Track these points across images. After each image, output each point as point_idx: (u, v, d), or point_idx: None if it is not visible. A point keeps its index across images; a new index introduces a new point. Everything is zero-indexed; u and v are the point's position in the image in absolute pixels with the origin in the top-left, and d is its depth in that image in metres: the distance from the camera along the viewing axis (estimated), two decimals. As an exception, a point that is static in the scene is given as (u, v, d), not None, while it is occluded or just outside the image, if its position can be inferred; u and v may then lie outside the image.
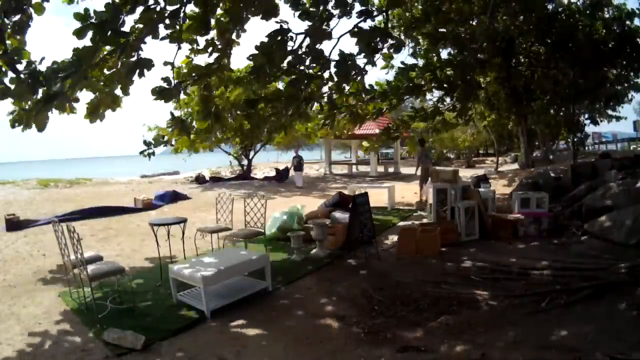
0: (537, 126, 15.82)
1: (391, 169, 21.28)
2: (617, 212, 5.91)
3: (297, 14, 4.61)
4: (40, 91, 3.83)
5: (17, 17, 3.90)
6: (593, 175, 9.10)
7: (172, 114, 5.35)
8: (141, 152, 5.62)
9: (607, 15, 9.92)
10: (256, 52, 4.52)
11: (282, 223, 6.94)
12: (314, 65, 5.06)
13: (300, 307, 4.18)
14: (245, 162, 21.59)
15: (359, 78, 5.53)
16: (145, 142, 5.47)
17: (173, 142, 5.67)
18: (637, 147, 23.83)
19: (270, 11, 4.28)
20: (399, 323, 3.69)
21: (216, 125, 5.67)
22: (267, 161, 31.90)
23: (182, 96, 4.86)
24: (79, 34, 3.70)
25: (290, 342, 3.44)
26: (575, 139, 14.56)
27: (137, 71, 4.12)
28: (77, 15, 3.66)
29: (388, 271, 5.18)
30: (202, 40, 4.82)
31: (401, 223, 7.86)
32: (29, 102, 4.10)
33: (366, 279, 4.95)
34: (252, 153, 21.66)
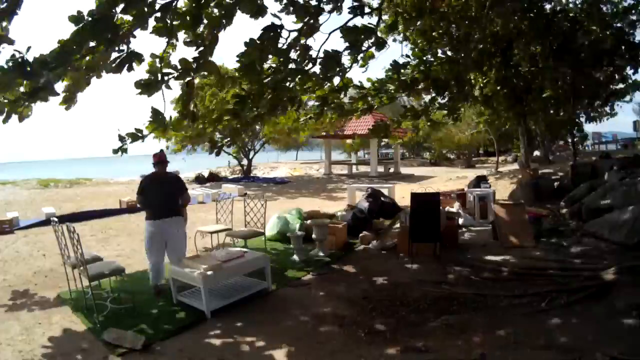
0: (536, 126, 15.81)
1: (391, 169, 21.30)
2: (617, 212, 5.90)
3: (286, 8, 4.49)
4: (25, 83, 3.71)
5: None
6: (593, 175, 9.11)
7: (153, 108, 5.02)
8: (114, 150, 4.95)
9: (605, 10, 9.85)
10: (246, 48, 4.45)
11: (282, 223, 6.94)
12: (302, 60, 4.99)
13: (300, 308, 4.18)
14: (245, 161, 21.63)
15: (341, 74, 5.51)
16: (120, 137, 4.86)
17: (149, 136, 5.03)
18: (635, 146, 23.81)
19: (260, 10, 4.23)
20: (398, 323, 3.69)
21: (193, 124, 5.48)
22: (267, 161, 31.91)
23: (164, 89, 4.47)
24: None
25: (290, 342, 3.43)
26: (576, 139, 14.54)
27: (127, 65, 3.99)
28: (71, 18, 3.57)
29: (388, 271, 5.18)
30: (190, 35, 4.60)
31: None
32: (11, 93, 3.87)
33: (366, 279, 4.95)
34: (251, 153, 21.71)
